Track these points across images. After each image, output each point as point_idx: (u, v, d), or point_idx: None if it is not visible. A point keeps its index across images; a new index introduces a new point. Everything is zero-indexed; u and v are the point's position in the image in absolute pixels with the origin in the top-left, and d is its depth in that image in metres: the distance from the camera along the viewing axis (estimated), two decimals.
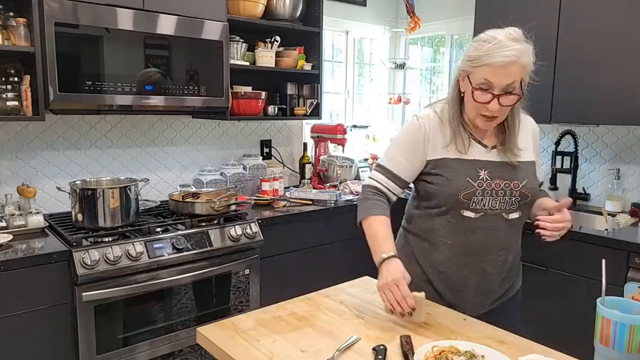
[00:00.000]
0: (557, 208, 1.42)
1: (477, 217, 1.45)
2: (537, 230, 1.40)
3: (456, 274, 1.51)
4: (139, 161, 2.80)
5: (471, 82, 1.38)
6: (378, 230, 1.45)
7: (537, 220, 1.42)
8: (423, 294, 1.33)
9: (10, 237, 2.04)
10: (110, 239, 2.11)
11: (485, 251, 1.48)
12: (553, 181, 3.03)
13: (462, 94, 1.44)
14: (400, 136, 1.55)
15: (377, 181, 1.53)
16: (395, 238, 1.51)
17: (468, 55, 1.39)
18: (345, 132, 3.36)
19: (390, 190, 1.52)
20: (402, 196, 1.58)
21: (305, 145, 3.43)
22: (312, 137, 3.48)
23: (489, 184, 1.44)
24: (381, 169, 1.54)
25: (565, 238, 1.46)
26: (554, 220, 1.40)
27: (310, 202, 2.88)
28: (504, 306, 1.58)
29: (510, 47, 1.32)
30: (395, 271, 1.34)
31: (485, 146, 1.48)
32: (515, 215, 1.48)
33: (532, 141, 1.53)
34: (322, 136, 3.42)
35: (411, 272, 1.43)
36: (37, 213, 2.25)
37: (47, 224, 2.26)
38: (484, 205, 1.44)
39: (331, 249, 2.85)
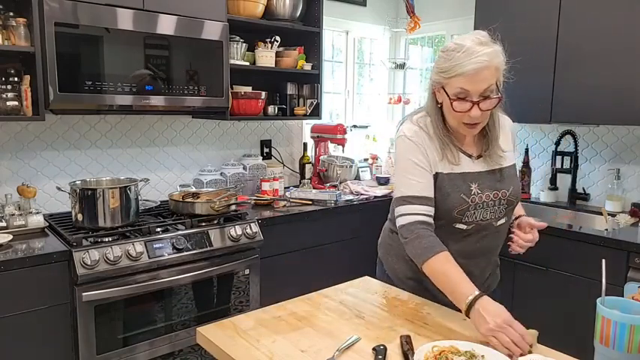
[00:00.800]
0: (531, 227, 1.47)
1: (469, 229, 1.48)
2: (509, 243, 1.46)
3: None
4: (139, 161, 2.80)
5: (447, 94, 1.35)
6: (449, 270, 1.32)
7: (513, 234, 1.47)
8: (535, 331, 1.22)
9: (10, 237, 2.04)
10: (110, 239, 2.11)
11: (474, 257, 1.52)
12: (553, 181, 3.03)
13: (440, 105, 1.42)
14: (404, 162, 1.45)
15: (416, 214, 1.39)
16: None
17: (439, 67, 1.36)
18: (345, 132, 3.36)
19: (429, 214, 1.40)
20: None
21: (305, 145, 3.43)
22: (312, 137, 3.48)
23: (480, 198, 1.45)
24: (411, 198, 1.40)
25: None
26: (526, 239, 1.45)
27: (310, 202, 2.88)
28: None
29: (480, 52, 1.30)
30: (499, 310, 1.20)
31: (469, 156, 1.47)
32: (502, 221, 1.51)
33: (511, 140, 1.54)
34: (322, 136, 3.42)
35: (398, 269, 1.58)
36: (37, 213, 2.25)
37: (47, 224, 2.26)
38: (476, 218, 1.47)
39: (331, 249, 2.85)
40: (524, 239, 1.46)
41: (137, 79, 2.29)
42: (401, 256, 1.59)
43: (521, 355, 1.13)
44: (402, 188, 1.43)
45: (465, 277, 1.30)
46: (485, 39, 1.35)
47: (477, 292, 1.24)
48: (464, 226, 1.46)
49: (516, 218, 1.57)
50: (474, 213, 1.45)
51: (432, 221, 1.41)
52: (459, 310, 1.45)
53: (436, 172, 1.43)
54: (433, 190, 1.42)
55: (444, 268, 1.32)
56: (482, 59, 1.29)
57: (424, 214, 1.39)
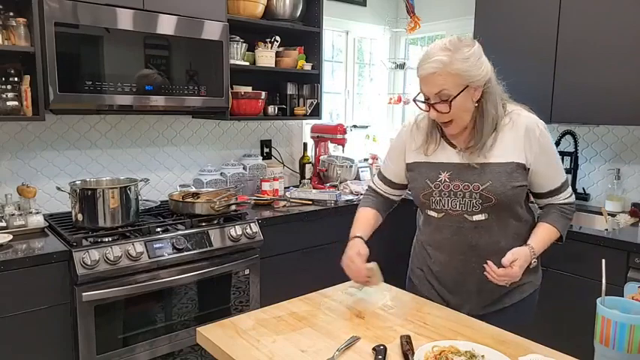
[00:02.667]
0: (506, 263, 1.39)
1: (440, 217, 1.52)
2: (484, 273, 1.43)
3: (437, 269, 1.59)
4: (139, 161, 2.80)
5: None
6: (357, 218, 1.67)
7: (487, 264, 1.42)
8: (374, 263, 1.50)
9: (10, 237, 2.04)
10: (110, 239, 2.11)
11: (454, 250, 1.52)
12: None
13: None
14: (390, 144, 1.72)
15: (374, 183, 1.75)
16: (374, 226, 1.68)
17: None
18: (345, 132, 3.36)
19: (384, 191, 1.71)
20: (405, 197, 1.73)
21: (305, 145, 3.43)
22: (312, 137, 3.48)
23: (447, 186, 1.48)
24: (379, 173, 1.73)
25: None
26: (499, 274, 1.39)
27: (310, 202, 2.88)
28: (501, 313, 1.55)
29: (433, 59, 1.35)
30: (349, 249, 1.53)
31: (454, 147, 1.51)
32: (479, 217, 1.46)
33: (522, 141, 1.45)
34: (322, 136, 3.42)
35: (412, 260, 1.70)
36: (37, 213, 2.25)
37: (47, 224, 2.26)
38: (444, 206, 1.50)
39: (331, 249, 2.84)
40: (496, 273, 1.39)
41: (137, 79, 2.29)
42: (414, 252, 1.71)
43: (362, 283, 1.50)
44: (382, 163, 1.75)
45: (361, 225, 1.62)
46: (452, 44, 1.37)
47: (355, 235, 1.58)
48: (434, 214, 1.54)
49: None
50: (440, 200, 1.50)
51: (388, 196, 1.71)
52: (460, 311, 1.46)
53: (413, 161, 1.57)
54: (400, 175, 1.64)
55: (357, 216, 1.67)
56: (430, 66, 1.36)
57: (379, 188, 1.72)
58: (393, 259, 3.03)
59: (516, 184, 1.44)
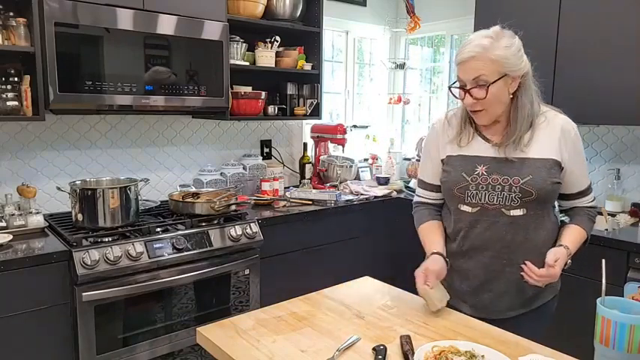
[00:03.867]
0: (550, 262, 1.40)
1: (475, 212, 1.48)
2: (522, 273, 1.42)
3: (462, 267, 1.53)
4: (139, 161, 2.80)
5: None
6: (424, 236, 1.61)
7: (525, 264, 1.42)
8: (438, 285, 1.44)
9: (10, 237, 2.04)
10: (110, 239, 2.11)
11: (486, 247, 1.48)
12: None
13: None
14: (424, 148, 1.67)
15: (418, 195, 1.69)
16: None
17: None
18: (345, 132, 3.36)
19: (430, 198, 1.65)
20: None
21: (305, 145, 3.43)
22: (312, 137, 3.48)
23: (485, 179, 1.46)
24: (419, 181, 1.68)
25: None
26: (540, 274, 1.39)
27: (310, 202, 2.88)
28: (524, 318, 1.53)
29: (474, 43, 1.38)
30: (425, 263, 1.47)
31: (489, 141, 1.50)
32: (517, 212, 1.45)
33: (558, 140, 1.46)
34: (322, 136, 3.42)
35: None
36: (37, 213, 2.25)
37: (47, 224, 2.26)
38: (480, 200, 1.47)
39: (331, 249, 2.85)
40: (536, 273, 1.39)
41: (137, 79, 2.29)
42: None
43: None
44: (420, 171, 1.69)
45: (432, 242, 1.55)
46: (494, 32, 1.41)
47: (431, 252, 1.51)
48: (469, 208, 1.49)
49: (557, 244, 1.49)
50: (477, 194, 1.46)
51: (432, 201, 1.65)
52: (460, 311, 1.46)
53: (446, 155, 1.55)
54: (437, 175, 1.59)
55: (423, 234, 1.61)
56: (470, 49, 1.38)
57: (425, 197, 1.66)
58: (392, 260, 3.03)
59: (555, 180, 1.45)
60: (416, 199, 1.69)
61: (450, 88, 1.47)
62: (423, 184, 1.66)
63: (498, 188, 1.45)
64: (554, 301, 1.60)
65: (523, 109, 1.45)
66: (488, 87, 1.38)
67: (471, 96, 1.41)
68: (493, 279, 1.50)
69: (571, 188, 1.53)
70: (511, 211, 1.45)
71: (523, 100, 1.45)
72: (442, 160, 1.56)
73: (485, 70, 1.37)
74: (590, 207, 1.57)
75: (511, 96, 1.44)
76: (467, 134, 1.52)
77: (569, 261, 1.47)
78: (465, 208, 1.50)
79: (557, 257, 1.40)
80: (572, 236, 1.49)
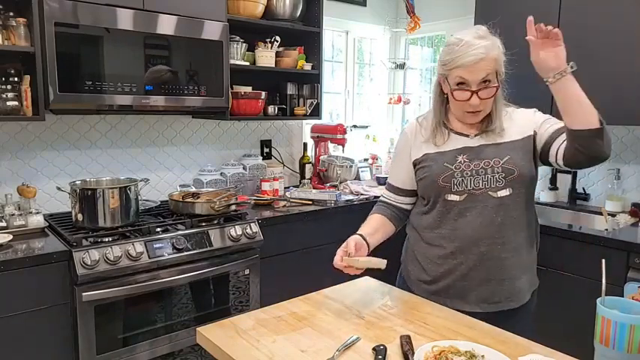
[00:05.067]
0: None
1: (463, 199, 1.49)
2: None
3: (454, 263, 1.51)
4: (139, 161, 2.80)
5: (449, 84, 1.47)
6: (365, 222, 1.66)
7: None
8: (358, 259, 1.47)
9: (10, 237, 2.04)
10: (110, 239, 2.11)
11: (480, 233, 1.48)
12: (553, 181, 3.03)
13: (446, 95, 1.53)
14: (395, 151, 1.71)
15: (383, 196, 1.73)
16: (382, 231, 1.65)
17: (441, 60, 1.48)
18: (345, 132, 3.36)
19: (395, 201, 1.68)
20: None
21: (305, 145, 3.43)
22: (312, 137, 3.48)
23: (468, 166, 1.49)
24: (387, 184, 1.71)
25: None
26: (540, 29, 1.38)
27: (310, 202, 2.88)
28: (512, 314, 1.54)
29: (477, 45, 1.41)
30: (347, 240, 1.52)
31: (466, 135, 1.54)
32: (504, 192, 1.47)
33: (527, 121, 1.53)
34: (322, 136, 3.42)
35: (411, 271, 1.63)
36: (37, 213, 2.25)
37: (47, 224, 2.26)
38: (466, 186, 1.49)
39: (331, 249, 2.81)
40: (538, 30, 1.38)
41: (137, 79, 2.29)
42: (414, 257, 1.63)
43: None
44: (389, 175, 1.73)
45: (365, 226, 1.62)
46: (484, 33, 1.46)
47: (357, 233, 1.56)
48: (456, 197, 1.50)
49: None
50: (463, 180, 1.49)
51: (400, 205, 1.67)
52: (460, 311, 1.46)
53: (423, 154, 1.56)
54: (408, 178, 1.62)
55: (366, 220, 1.66)
56: (479, 51, 1.40)
57: (389, 199, 1.69)
58: (392, 260, 3.03)
59: (532, 157, 1.49)
60: (380, 198, 1.74)
61: (451, 91, 1.47)
62: (391, 188, 1.68)
63: (482, 172, 1.48)
64: (535, 295, 1.62)
65: (500, 100, 1.53)
66: (497, 85, 1.44)
67: (479, 97, 1.43)
68: (486, 266, 1.49)
69: (554, 129, 1.48)
70: (498, 192, 1.48)
71: (501, 93, 1.52)
72: (415, 163, 1.58)
73: (490, 70, 1.43)
74: None
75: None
76: (442, 134, 1.55)
77: (572, 65, 1.40)
78: (452, 197, 1.50)
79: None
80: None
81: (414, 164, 1.59)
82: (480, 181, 1.48)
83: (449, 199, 1.51)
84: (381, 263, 1.44)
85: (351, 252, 1.47)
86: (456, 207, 1.50)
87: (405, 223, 1.69)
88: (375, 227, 1.62)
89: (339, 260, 1.46)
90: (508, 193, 1.48)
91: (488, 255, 1.49)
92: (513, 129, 1.52)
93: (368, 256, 1.50)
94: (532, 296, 1.59)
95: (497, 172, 1.47)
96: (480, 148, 1.50)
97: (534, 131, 1.51)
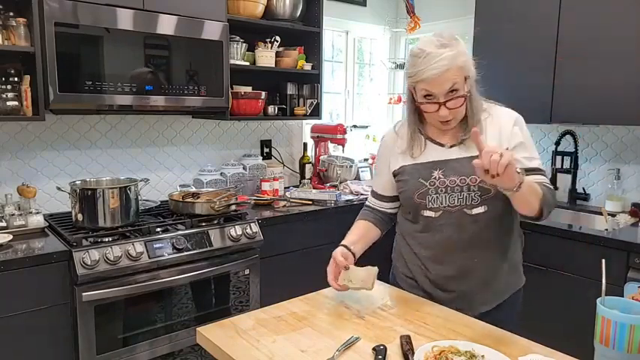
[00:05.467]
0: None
1: (438, 216, 1.49)
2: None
3: (434, 270, 1.54)
4: (139, 161, 2.80)
5: (417, 96, 1.44)
6: (351, 229, 1.67)
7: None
8: (351, 269, 1.49)
9: (10, 237, 2.04)
10: (110, 239, 2.11)
11: (456, 249, 1.49)
12: (553, 181, 3.03)
13: (418, 103, 1.47)
14: (377, 160, 1.72)
15: (368, 202, 1.74)
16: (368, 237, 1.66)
17: (407, 72, 1.43)
18: (345, 132, 3.36)
19: (378, 207, 1.69)
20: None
21: (305, 145, 3.43)
22: (312, 137, 3.48)
23: (442, 182, 1.47)
24: (372, 191, 1.72)
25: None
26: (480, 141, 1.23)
27: (310, 202, 2.88)
28: (498, 310, 1.55)
29: (440, 57, 1.34)
30: (336, 251, 1.54)
31: (442, 145, 1.51)
32: (480, 210, 1.46)
33: (501, 132, 1.46)
34: (322, 136, 3.42)
35: (398, 267, 1.66)
36: (37, 213, 2.25)
37: (47, 224, 2.26)
38: (441, 203, 1.47)
39: (331, 249, 2.82)
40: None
41: (137, 79, 2.29)
42: (400, 253, 1.66)
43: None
44: (373, 180, 1.75)
45: (351, 235, 1.62)
46: (447, 40, 1.38)
47: (342, 244, 1.57)
48: (432, 214, 1.49)
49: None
50: (437, 197, 1.47)
51: (385, 210, 1.68)
52: (459, 310, 1.46)
53: (400, 166, 1.55)
54: (389, 185, 1.62)
55: (352, 228, 1.67)
56: (441, 64, 1.34)
57: (373, 205, 1.70)
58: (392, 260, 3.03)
59: None
60: (366, 203, 1.74)
61: (419, 105, 1.44)
62: (374, 194, 1.69)
63: (457, 189, 1.46)
64: (520, 292, 1.63)
65: (476, 106, 1.47)
66: (465, 94, 1.39)
67: (447, 108, 1.39)
68: (467, 279, 1.51)
69: (519, 167, 1.38)
70: (473, 209, 1.46)
71: (476, 97, 1.47)
72: (394, 173, 1.57)
73: (457, 79, 1.37)
74: (546, 184, 1.43)
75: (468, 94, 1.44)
76: (418, 144, 1.52)
77: (521, 175, 1.24)
78: (428, 213, 1.50)
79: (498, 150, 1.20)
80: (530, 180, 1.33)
81: (394, 174, 1.58)
82: (456, 199, 1.46)
83: (425, 214, 1.51)
84: (368, 281, 1.47)
85: (342, 266, 1.49)
86: (432, 223, 1.51)
87: (394, 223, 1.70)
88: (360, 235, 1.62)
89: (334, 282, 1.49)
90: (483, 211, 1.46)
91: (464, 268, 1.51)
92: (489, 139, 1.45)
93: (355, 265, 1.53)
94: (516, 293, 1.60)
95: (473, 191, 1.44)
96: (457, 162, 1.46)
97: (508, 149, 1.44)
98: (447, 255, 1.51)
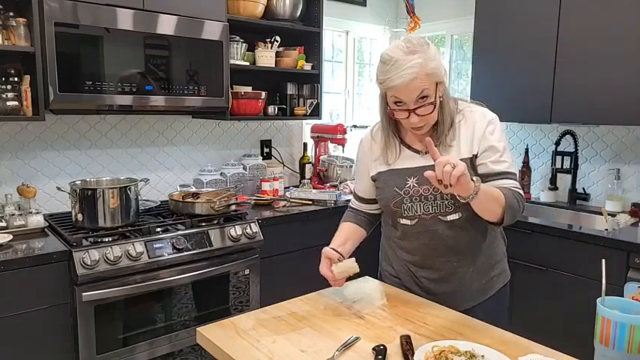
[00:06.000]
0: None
1: (414, 224, 1.50)
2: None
3: (419, 274, 1.57)
4: (139, 161, 2.80)
5: (388, 102, 1.42)
6: (337, 232, 1.66)
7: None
8: (341, 263, 1.51)
9: (10, 237, 2.04)
10: (110, 239, 2.11)
11: (435, 254, 1.51)
12: (553, 181, 3.03)
13: (389, 110, 1.46)
14: (356, 164, 1.71)
15: (352, 204, 1.74)
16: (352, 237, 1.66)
17: (377, 79, 1.41)
18: (345, 132, 3.36)
19: (361, 209, 1.69)
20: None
21: (305, 145, 3.43)
22: (312, 137, 3.47)
23: (416, 191, 1.47)
24: (353, 193, 1.73)
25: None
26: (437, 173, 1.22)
27: (310, 202, 2.88)
28: (485, 306, 1.57)
29: (407, 65, 1.31)
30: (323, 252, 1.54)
31: (417, 152, 1.50)
32: (454, 216, 1.46)
33: (473, 134, 1.45)
34: (322, 136, 3.42)
35: (383, 265, 1.70)
36: (37, 213, 2.25)
37: (47, 224, 2.26)
38: (416, 212, 1.48)
39: None
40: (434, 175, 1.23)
41: (137, 79, 2.29)
42: (386, 254, 1.69)
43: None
44: (354, 184, 1.73)
45: (337, 238, 1.62)
46: (417, 45, 1.35)
47: (329, 247, 1.57)
48: (408, 221, 1.51)
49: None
50: (412, 206, 1.48)
51: (368, 211, 1.68)
52: (459, 310, 1.46)
53: (377, 172, 1.56)
54: (369, 189, 1.62)
55: (337, 231, 1.66)
56: (409, 72, 1.31)
57: (357, 207, 1.71)
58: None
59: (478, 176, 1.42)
60: (350, 204, 1.74)
61: (392, 112, 1.41)
62: (356, 197, 1.69)
63: (431, 198, 1.46)
64: (506, 287, 1.63)
65: (447, 111, 1.45)
66: (435, 102, 1.37)
67: (417, 115, 1.37)
68: (447, 280, 1.53)
69: (487, 169, 1.44)
70: (447, 216, 1.47)
71: (447, 102, 1.45)
72: (373, 178, 1.58)
73: (426, 85, 1.34)
74: (516, 189, 1.42)
75: (441, 99, 1.42)
76: (393, 149, 1.52)
77: (476, 188, 1.26)
78: (404, 221, 1.52)
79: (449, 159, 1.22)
80: (489, 187, 1.36)
81: (372, 179, 1.58)
82: (430, 207, 1.47)
83: (401, 222, 1.52)
84: (353, 267, 1.49)
85: (333, 258, 1.51)
86: (409, 231, 1.52)
87: (379, 222, 1.71)
88: (346, 237, 1.62)
89: (327, 271, 1.50)
90: (457, 217, 1.47)
91: (445, 271, 1.53)
92: (461, 142, 1.45)
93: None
94: (501, 289, 1.60)
95: (446, 199, 1.44)
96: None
97: (477, 152, 1.44)
98: (427, 259, 1.53)
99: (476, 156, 1.45)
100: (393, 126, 1.52)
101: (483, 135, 1.45)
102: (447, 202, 1.45)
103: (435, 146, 1.35)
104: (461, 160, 1.35)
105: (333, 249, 1.56)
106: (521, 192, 1.44)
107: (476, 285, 1.55)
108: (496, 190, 1.36)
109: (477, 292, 1.56)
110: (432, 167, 1.33)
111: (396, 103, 1.39)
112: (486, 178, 1.43)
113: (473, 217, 1.46)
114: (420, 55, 1.33)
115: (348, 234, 1.64)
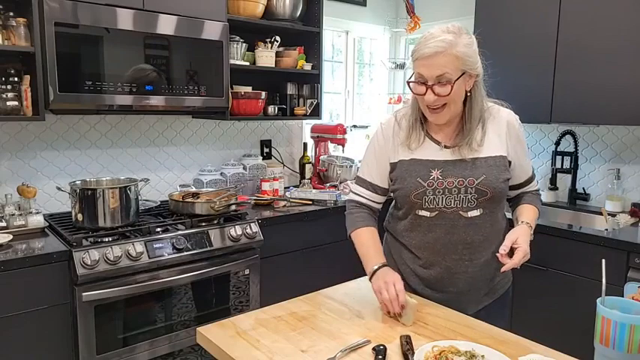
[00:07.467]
0: (503, 251, 1.36)
1: (433, 216, 1.48)
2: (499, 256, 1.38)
3: (424, 272, 1.54)
4: (139, 161, 2.80)
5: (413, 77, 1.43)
6: (365, 242, 1.55)
7: (499, 254, 1.37)
8: (415, 300, 1.38)
9: (10, 237, 2.04)
10: (110, 239, 2.11)
11: (447, 249, 1.49)
12: (553, 181, 3.03)
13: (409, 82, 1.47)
14: (369, 145, 1.61)
15: (357, 194, 1.61)
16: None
17: (411, 55, 1.43)
18: (345, 132, 3.36)
19: (370, 200, 1.60)
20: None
21: (305, 145, 3.43)
22: (312, 137, 3.48)
23: (441, 183, 1.45)
24: (359, 180, 1.62)
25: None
26: (515, 262, 1.35)
27: (310, 202, 2.88)
28: (488, 309, 1.56)
29: (439, 38, 1.34)
30: (388, 275, 1.43)
31: (438, 143, 1.49)
32: (475, 213, 1.46)
33: (505, 135, 1.48)
34: (322, 136, 3.42)
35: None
36: (37, 213, 2.25)
37: (47, 224, 2.26)
38: (437, 204, 1.46)
39: (331, 249, 2.85)
40: (512, 263, 1.35)
41: (137, 79, 2.29)
42: (389, 252, 1.64)
43: (394, 313, 1.37)
44: (361, 169, 1.62)
45: (377, 251, 1.52)
46: (455, 29, 1.38)
47: (381, 264, 1.47)
48: (427, 213, 1.48)
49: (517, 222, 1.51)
50: (434, 198, 1.46)
51: (374, 205, 1.60)
52: (458, 310, 1.46)
53: (398, 160, 1.51)
54: (384, 178, 1.56)
55: (363, 240, 1.55)
56: (436, 44, 1.33)
57: (365, 198, 1.60)
58: None
59: (506, 177, 1.47)
60: (352, 197, 1.62)
61: (409, 83, 1.42)
62: (364, 184, 1.59)
63: (455, 191, 1.45)
64: (510, 288, 1.64)
65: (477, 108, 1.45)
66: (453, 83, 1.36)
67: (434, 92, 1.37)
68: (457, 279, 1.51)
69: (518, 179, 1.57)
70: (468, 212, 1.46)
71: (477, 98, 1.45)
72: (392, 164, 1.53)
73: (449, 67, 1.35)
74: (536, 190, 1.63)
75: (468, 93, 1.43)
76: (417, 136, 1.49)
77: (532, 234, 1.47)
78: (423, 213, 1.48)
79: (515, 238, 1.39)
80: (528, 212, 1.54)
81: (390, 167, 1.54)
82: (452, 200, 1.45)
83: (419, 214, 1.49)
84: (409, 317, 1.37)
85: (402, 301, 1.37)
86: (426, 222, 1.49)
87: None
88: (379, 247, 1.55)
89: (398, 309, 1.37)
90: (479, 214, 1.46)
91: (454, 269, 1.51)
92: (492, 140, 1.47)
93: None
94: (506, 291, 1.62)
95: (470, 193, 1.44)
96: (455, 164, 1.45)
97: (507, 155, 1.48)
98: (437, 255, 1.50)
99: (506, 157, 1.48)
100: (420, 113, 1.50)
101: (516, 134, 1.50)
102: (470, 197, 1.44)
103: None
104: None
105: (386, 266, 1.48)
106: (537, 185, 1.63)
107: (483, 287, 1.54)
108: (533, 210, 1.54)
109: (483, 294, 1.55)
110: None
111: (417, 77, 1.40)
112: (518, 188, 1.60)
113: (493, 216, 1.48)
114: (455, 36, 1.36)
115: (377, 242, 1.56)
